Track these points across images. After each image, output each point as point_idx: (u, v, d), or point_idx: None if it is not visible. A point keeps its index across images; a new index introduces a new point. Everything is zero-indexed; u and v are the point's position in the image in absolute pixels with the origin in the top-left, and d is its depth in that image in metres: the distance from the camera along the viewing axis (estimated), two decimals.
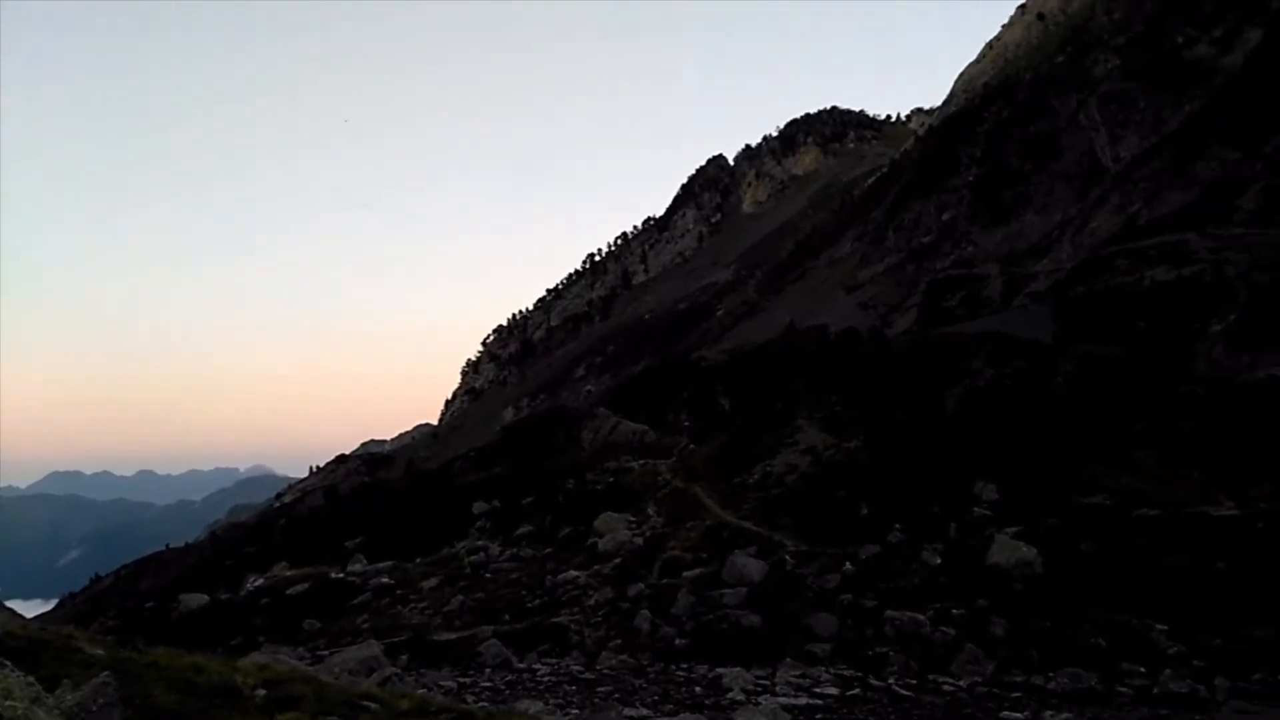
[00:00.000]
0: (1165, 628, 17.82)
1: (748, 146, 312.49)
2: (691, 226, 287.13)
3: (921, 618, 18.82)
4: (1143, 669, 16.56)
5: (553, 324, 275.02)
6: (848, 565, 22.20)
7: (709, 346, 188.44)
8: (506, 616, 24.35)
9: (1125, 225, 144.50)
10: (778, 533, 26.58)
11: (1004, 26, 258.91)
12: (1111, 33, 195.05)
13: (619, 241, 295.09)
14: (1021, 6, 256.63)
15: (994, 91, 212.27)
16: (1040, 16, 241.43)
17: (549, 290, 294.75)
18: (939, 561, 21.54)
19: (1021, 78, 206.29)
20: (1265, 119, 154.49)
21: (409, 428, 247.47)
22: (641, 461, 44.77)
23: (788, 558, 23.60)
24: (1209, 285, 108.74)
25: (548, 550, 31.59)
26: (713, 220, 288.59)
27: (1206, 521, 22.19)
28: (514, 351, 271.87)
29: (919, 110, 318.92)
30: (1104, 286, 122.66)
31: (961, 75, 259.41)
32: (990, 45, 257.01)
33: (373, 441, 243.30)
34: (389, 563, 33.79)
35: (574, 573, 27.18)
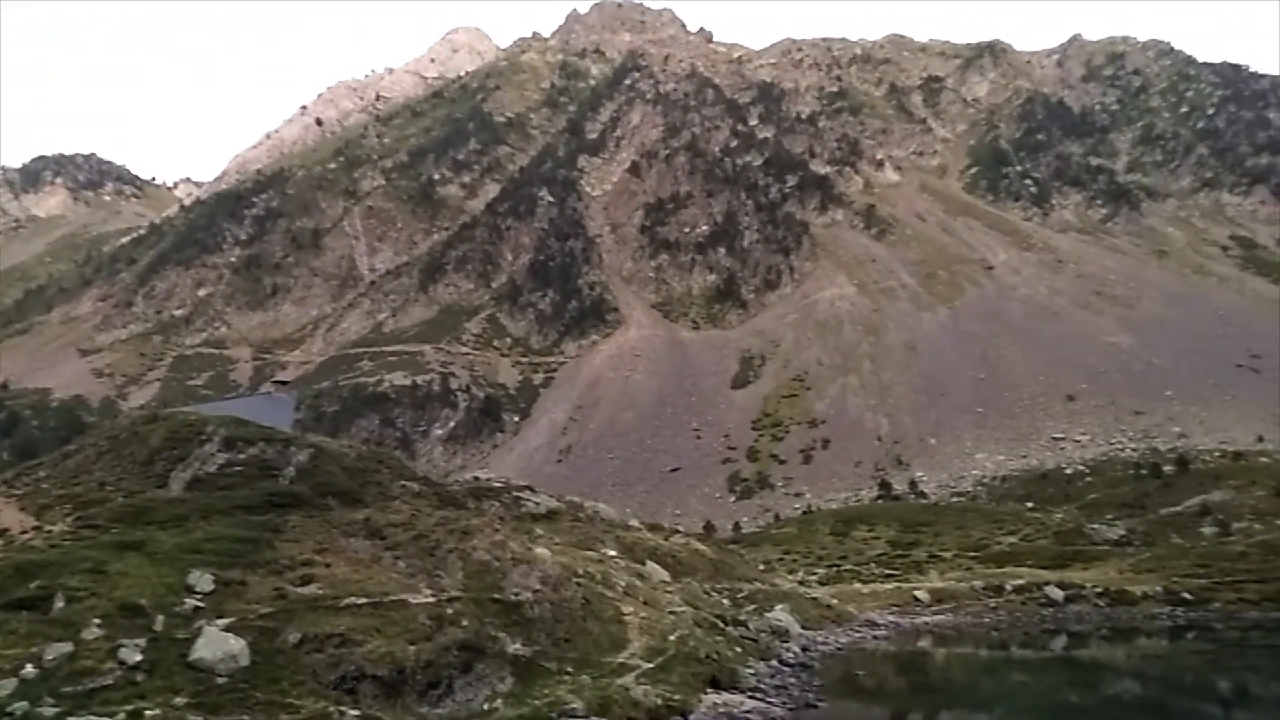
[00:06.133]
0: (357, 712, 19.34)
1: None
2: None
3: None
4: None
5: None
6: (29, 668, 19.28)
7: None
8: None
9: (373, 330, 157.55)
10: None
11: (285, 122, 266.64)
12: (380, 154, 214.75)
13: None
14: (303, 107, 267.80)
15: (267, 180, 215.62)
16: (319, 121, 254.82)
17: None
18: (139, 659, 19.98)
19: (294, 173, 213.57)
20: (493, 260, 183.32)
21: None
22: None
23: None
24: (437, 394, 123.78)
25: None
26: None
27: (406, 607, 24.56)
28: None
29: (188, 180, 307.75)
30: (348, 383, 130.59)
31: (237, 156, 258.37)
32: (269, 135, 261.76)
33: None
34: None
35: None
